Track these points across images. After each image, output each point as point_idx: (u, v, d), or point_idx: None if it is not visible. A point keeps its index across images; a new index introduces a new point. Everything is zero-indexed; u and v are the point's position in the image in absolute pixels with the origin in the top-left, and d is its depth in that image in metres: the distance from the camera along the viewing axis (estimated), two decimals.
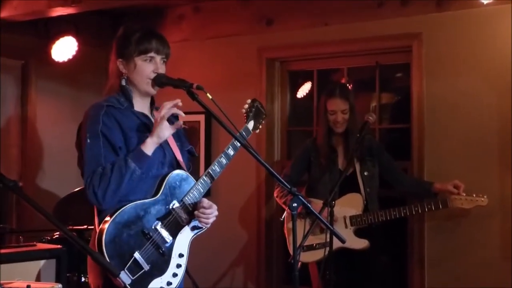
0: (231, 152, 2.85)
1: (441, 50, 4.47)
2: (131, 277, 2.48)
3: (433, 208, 3.99)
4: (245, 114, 3.02)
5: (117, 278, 2.21)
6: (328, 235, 3.70)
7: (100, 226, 2.52)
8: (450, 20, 4.42)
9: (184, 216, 2.71)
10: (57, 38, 5.27)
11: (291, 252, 4.06)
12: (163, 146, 2.74)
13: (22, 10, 4.49)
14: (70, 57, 5.32)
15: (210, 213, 2.75)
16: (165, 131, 2.61)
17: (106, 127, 2.59)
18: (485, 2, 3.91)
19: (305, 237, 3.19)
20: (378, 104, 4.91)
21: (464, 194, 3.99)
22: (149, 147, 2.59)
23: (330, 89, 4.22)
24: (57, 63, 5.34)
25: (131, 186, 2.59)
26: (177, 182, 2.73)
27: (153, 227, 2.60)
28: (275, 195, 4.33)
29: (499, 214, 4.21)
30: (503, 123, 4.25)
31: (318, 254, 4.03)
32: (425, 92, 4.50)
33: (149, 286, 2.57)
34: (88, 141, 2.59)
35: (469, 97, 4.37)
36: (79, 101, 5.36)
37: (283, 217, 4.19)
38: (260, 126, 3.07)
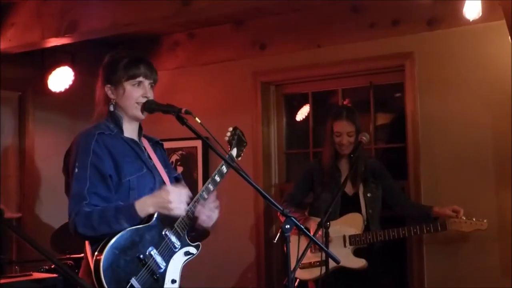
0: (217, 178, 2.89)
1: (433, 69, 4.48)
2: None
3: (432, 230, 3.94)
4: (228, 142, 3.04)
5: None
6: (323, 255, 3.69)
7: (96, 253, 2.51)
8: (441, 38, 4.44)
9: (176, 241, 2.71)
10: (53, 69, 5.28)
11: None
12: (153, 173, 2.76)
13: (17, 42, 4.53)
14: (67, 87, 5.33)
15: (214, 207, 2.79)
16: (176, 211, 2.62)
17: (96, 157, 2.59)
18: (471, 19, 3.92)
19: (298, 261, 3.16)
20: (373, 124, 4.91)
21: (464, 218, 3.93)
22: (144, 213, 2.58)
23: (337, 111, 4.23)
24: (54, 94, 5.36)
25: None
26: None
27: (147, 253, 2.60)
28: (279, 214, 4.30)
29: (497, 231, 4.18)
30: (498, 140, 4.24)
31: (316, 272, 3.98)
32: (419, 111, 4.50)
33: None
34: (76, 170, 2.57)
35: (463, 115, 4.37)
36: (76, 131, 5.24)
37: (276, 239, 4.12)
38: (242, 154, 3.10)
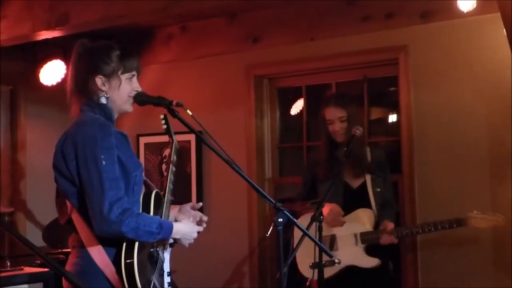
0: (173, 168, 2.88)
1: (427, 62, 4.46)
2: None
3: (447, 227, 3.77)
4: (165, 131, 2.97)
5: None
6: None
7: (125, 257, 2.44)
8: (435, 31, 4.42)
9: None
10: (45, 62, 5.26)
11: (300, 269, 3.94)
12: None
13: (7, 35, 4.47)
14: (59, 80, 5.28)
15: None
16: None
17: (118, 150, 2.51)
18: (465, 11, 3.90)
19: (291, 254, 3.09)
20: (367, 118, 4.89)
21: (480, 213, 3.76)
22: (173, 236, 2.62)
23: (327, 99, 4.11)
24: (46, 87, 5.32)
25: None
26: (159, 200, 2.71)
27: (154, 251, 2.58)
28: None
29: (491, 226, 4.13)
30: (493, 134, 4.22)
31: (327, 272, 3.70)
32: (413, 104, 4.48)
33: None
34: (104, 162, 2.43)
35: (458, 108, 4.35)
36: (68, 125, 5.31)
37: (268, 232, 3.88)
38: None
